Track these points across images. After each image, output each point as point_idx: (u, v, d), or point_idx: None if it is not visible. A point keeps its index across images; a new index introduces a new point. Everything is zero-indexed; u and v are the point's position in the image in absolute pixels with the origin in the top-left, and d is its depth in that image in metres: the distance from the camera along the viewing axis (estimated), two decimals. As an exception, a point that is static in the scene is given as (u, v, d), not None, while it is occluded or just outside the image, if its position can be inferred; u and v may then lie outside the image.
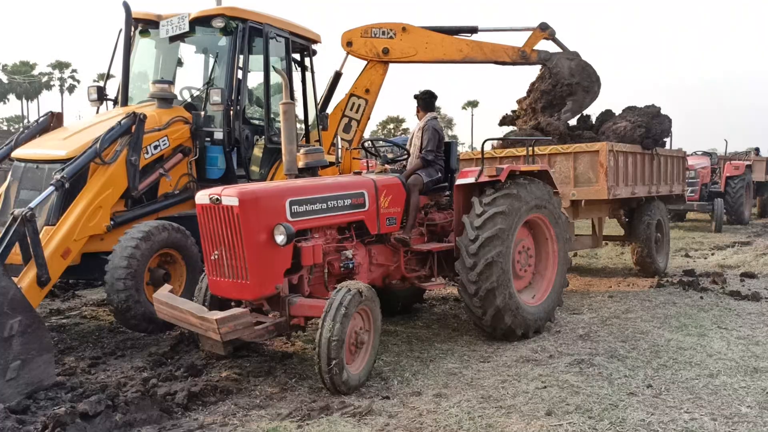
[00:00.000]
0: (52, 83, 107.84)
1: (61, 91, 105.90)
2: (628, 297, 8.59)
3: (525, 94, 10.84)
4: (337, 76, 10.67)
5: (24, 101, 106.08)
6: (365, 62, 10.66)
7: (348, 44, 10.56)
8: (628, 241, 10.73)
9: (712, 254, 12.96)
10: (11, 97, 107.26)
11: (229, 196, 5.13)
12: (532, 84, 10.66)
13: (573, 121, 10.45)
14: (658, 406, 4.66)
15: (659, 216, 10.22)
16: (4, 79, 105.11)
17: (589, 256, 12.76)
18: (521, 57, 10.40)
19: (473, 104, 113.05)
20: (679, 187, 10.93)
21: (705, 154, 19.70)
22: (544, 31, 10.46)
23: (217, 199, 5.18)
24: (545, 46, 10.60)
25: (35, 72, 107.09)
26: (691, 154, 19.38)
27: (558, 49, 10.56)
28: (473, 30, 10.63)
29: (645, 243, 9.92)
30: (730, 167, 18.82)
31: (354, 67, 10.86)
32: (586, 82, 10.21)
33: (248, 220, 5.09)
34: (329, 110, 10.38)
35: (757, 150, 25.23)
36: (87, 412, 4.10)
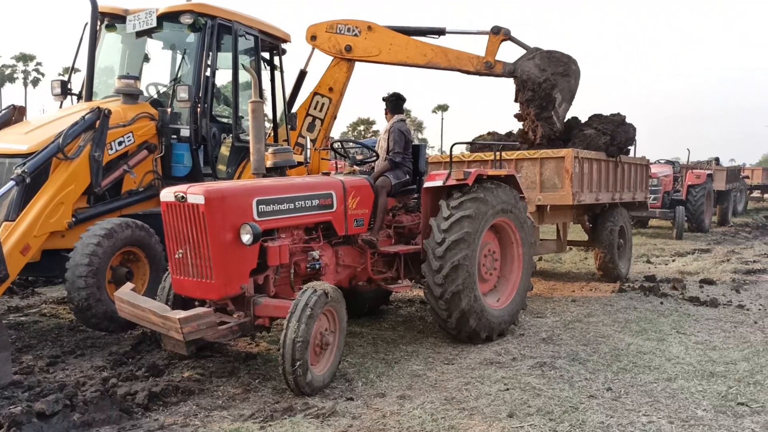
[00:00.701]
0: (15, 76, 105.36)
1: (25, 84, 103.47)
2: (591, 301, 8.72)
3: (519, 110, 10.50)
4: (302, 74, 10.55)
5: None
6: (329, 60, 10.56)
7: (312, 38, 10.45)
8: (591, 247, 10.89)
9: (673, 261, 13.22)
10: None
11: (195, 194, 5.07)
12: (516, 99, 10.33)
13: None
14: (617, 408, 4.73)
15: (622, 222, 10.40)
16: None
17: (553, 261, 12.92)
18: (486, 68, 10.12)
19: (443, 108, 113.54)
20: (642, 195, 11.14)
21: (668, 162, 20.10)
22: (498, 34, 10.10)
23: (183, 197, 5.12)
24: (508, 49, 10.45)
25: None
26: (655, 163, 19.75)
27: (519, 49, 10.25)
28: (441, 32, 10.42)
29: (608, 249, 10.09)
30: (692, 176, 19.23)
31: (320, 66, 10.78)
32: (560, 68, 9.77)
33: (214, 218, 5.04)
34: (294, 109, 10.30)
35: (717, 160, 25.84)
36: (44, 412, 4.01)
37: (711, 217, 20.74)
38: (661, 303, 8.62)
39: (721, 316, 7.89)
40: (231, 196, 5.20)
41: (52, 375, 5.47)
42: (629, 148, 10.31)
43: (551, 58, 9.83)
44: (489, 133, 10.51)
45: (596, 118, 10.16)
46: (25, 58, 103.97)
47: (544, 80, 9.66)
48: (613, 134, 9.71)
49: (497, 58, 10.15)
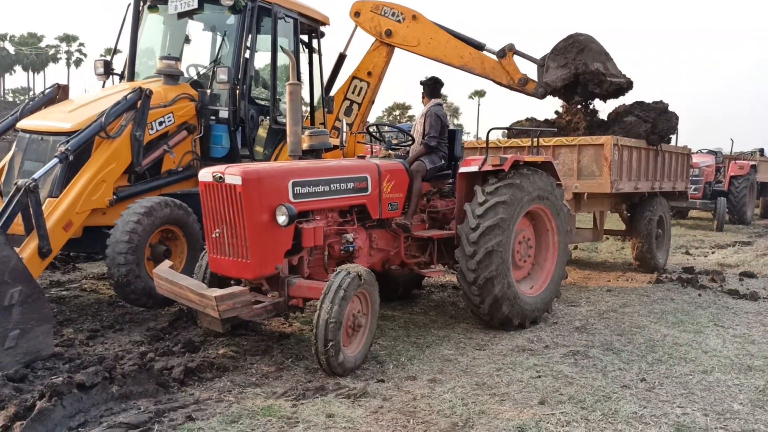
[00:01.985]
0: (59, 56, 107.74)
1: (68, 65, 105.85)
2: (627, 292, 8.61)
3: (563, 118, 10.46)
4: (341, 58, 10.55)
5: (30, 73, 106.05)
6: (369, 44, 10.54)
7: (356, 14, 10.40)
8: (628, 236, 10.73)
9: (713, 252, 12.96)
10: (18, 68, 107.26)
11: (233, 174, 5.13)
12: (569, 101, 10.29)
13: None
14: (650, 399, 4.68)
15: (661, 212, 10.21)
16: (11, 50, 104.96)
17: (589, 250, 12.77)
18: (519, 84, 10.11)
19: (480, 94, 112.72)
20: (683, 184, 10.91)
21: (710, 152, 19.63)
22: (504, 56, 10.17)
23: (221, 178, 5.18)
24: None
25: (42, 44, 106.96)
26: (697, 152, 19.33)
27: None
28: (480, 47, 10.40)
29: (645, 238, 9.92)
30: (735, 167, 18.78)
31: (358, 51, 10.77)
32: (573, 50, 9.68)
33: (251, 199, 5.10)
34: (332, 93, 10.32)
35: (761, 151, 25.15)
36: (84, 383, 4.13)
37: (753, 209, 20.28)
38: (699, 295, 8.46)
39: (761, 310, 7.72)
40: (268, 178, 5.25)
41: (91, 348, 5.63)
42: (671, 136, 10.10)
43: (564, 52, 9.78)
44: (527, 119, 10.41)
45: (638, 106, 9.97)
46: (68, 39, 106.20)
47: (575, 69, 9.53)
48: (654, 122, 9.52)
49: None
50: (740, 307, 7.84)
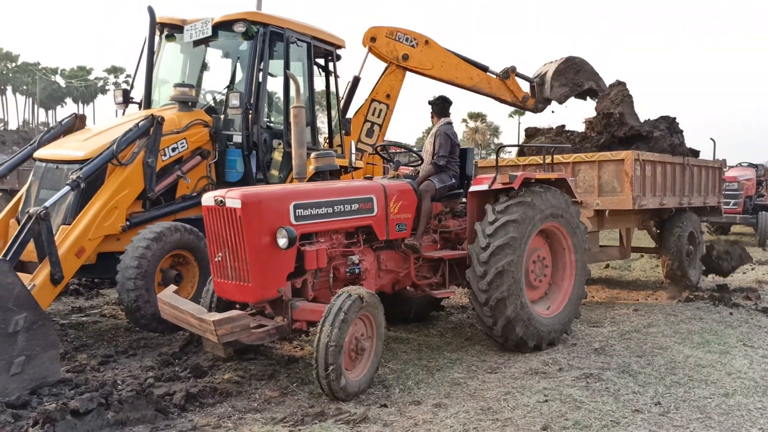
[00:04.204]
0: (107, 87, 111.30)
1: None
2: (654, 311, 8.31)
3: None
4: (356, 80, 10.72)
5: (80, 105, 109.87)
6: (384, 67, 10.82)
7: (371, 39, 10.64)
8: (659, 254, 10.41)
9: (752, 269, 12.47)
10: (68, 100, 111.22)
11: (233, 198, 5.14)
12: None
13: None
14: (663, 424, 4.47)
15: (691, 228, 9.89)
16: (62, 83, 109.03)
17: (621, 268, 12.43)
18: (522, 100, 11.50)
19: (520, 113, 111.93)
20: (715, 199, 10.55)
21: (751, 165, 18.97)
22: (508, 77, 11.40)
23: (221, 201, 5.20)
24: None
25: (91, 77, 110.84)
26: (736, 166, 18.75)
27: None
28: (485, 68, 11.37)
29: (676, 255, 9.60)
30: (778, 180, 18.15)
31: (368, 74, 11.04)
32: (572, 71, 11.34)
33: (250, 222, 5.09)
34: (349, 114, 10.45)
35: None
36: (78, 410, 4.13)
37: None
38: (731, 314, 8.12)
39: (796, 329, 7.36)
40: (268, 201, 5.24)
41: (101, 374, 5.65)
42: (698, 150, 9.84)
43: (560, 73, 11.31)
44: (544, 135, 10.27)
45: (663, 120, 9.74)
46: (115, 71, 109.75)
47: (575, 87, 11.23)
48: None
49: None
50: (774, 326, 7.49)
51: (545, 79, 11.39)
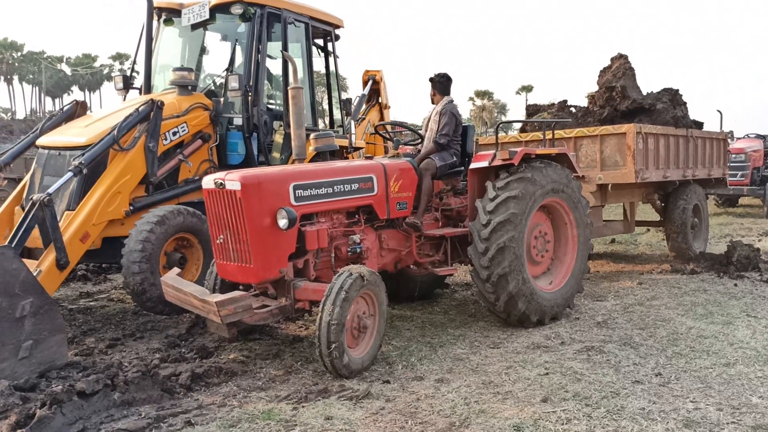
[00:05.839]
0: (113, 74, 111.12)
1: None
2: (658, 284, 8.32)
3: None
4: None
5: (87, 93, 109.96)
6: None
7: None
8: (663, 227, 10.38)
9: (759, 240, 12.42)
10: (75, 88, 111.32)
11: (232, 180, 5.17)
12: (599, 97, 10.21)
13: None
14: (662, 395, 4.50)
15: (696, 200, 9.86)
16: (68, 71, 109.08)
17: (627, 243, 12.41)
18: None
19: (528, 89, 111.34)
20: (719, 171, 10.49)
21: (758, 137, 18.79)
22: None
23: (221, 184, 5.23)
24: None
25: (96, 64, 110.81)
26: (743, 137, 18.60)
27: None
28: None
29: (680, 228, 9.59)
30: (786, 150, 17.98)
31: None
32: None
33: (251, 204, 5.12)
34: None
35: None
36: (84, 391, 4.20)
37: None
38: (735, 285, 8.12)
39: (801, 299, 7.36)
40: (267, 182, 5.27)
41: (109, 357, 5.73)
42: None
43: None
44: (546, 111, 10.23)
45: (666, 92, 9.67)
46: (120, 57, 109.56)
47: None
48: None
49: None
50: (778, 296, 7.49)
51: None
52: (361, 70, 11.32)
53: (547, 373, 4.93)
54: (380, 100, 11.78)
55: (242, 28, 8.07)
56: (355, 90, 11.03)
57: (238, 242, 5.25)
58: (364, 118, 10.52)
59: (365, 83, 11.51)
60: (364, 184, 5.95)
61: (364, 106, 10.83)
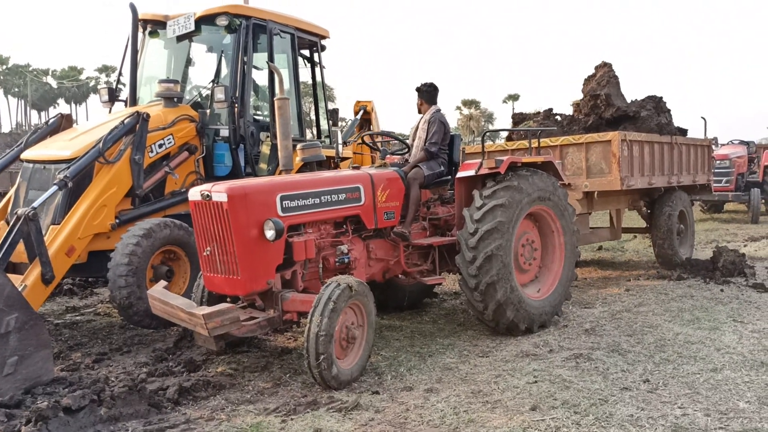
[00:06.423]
0: (99, 87, 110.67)
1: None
2: (645, 290, 8.36)
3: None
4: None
5: (73, 105, 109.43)
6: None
7: None
8: (649, 234, 10.45)
9: (745, 246, 12.54)
10: (61, 101, 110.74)
11: (219, 192, 5.15)
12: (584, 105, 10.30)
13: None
14: (651, 401, 4.51)
15: (682, 207, 9.93)
16: (54, 84, 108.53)
17: (614, 250, 12.49)
18: None
19: (514, 98, 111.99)
20: (704, 177, 10.59)
21: (742, 143, 18.99)
22: None
23: (208, 195, 5.21)
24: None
25: (83, 77, 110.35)
26: (727, 143, 18.79)
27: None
28: None
29: (666, 235, 9.66)
30: (769, 156, 18.18)
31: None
32: None
33: (237, 215, 5.11)
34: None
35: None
36: (70, 406, 4.16)
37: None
38: (722, 290, 8.17)
39: (787, 303, 7.42)
40: (254, 193, 5.26)
41: (95, 372, 5.67)
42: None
43: None
44: (531, 119, 10.29)
45: (650, 100, 9.76)
46: (107, 70, 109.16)
47: None
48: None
49: None
50: (764, 301, 7.55)
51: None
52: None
53: (536, 381, 4.94)
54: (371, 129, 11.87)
55: (228, 39, 8.07)
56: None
57: (225, 254, 5.23)
58: (353, 142, 10.53)
59: (356, 113, 11.52)
60: (351, 194, 5.95)
61: (355, 133, 10.82)
